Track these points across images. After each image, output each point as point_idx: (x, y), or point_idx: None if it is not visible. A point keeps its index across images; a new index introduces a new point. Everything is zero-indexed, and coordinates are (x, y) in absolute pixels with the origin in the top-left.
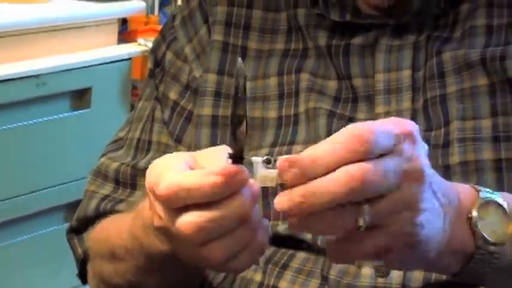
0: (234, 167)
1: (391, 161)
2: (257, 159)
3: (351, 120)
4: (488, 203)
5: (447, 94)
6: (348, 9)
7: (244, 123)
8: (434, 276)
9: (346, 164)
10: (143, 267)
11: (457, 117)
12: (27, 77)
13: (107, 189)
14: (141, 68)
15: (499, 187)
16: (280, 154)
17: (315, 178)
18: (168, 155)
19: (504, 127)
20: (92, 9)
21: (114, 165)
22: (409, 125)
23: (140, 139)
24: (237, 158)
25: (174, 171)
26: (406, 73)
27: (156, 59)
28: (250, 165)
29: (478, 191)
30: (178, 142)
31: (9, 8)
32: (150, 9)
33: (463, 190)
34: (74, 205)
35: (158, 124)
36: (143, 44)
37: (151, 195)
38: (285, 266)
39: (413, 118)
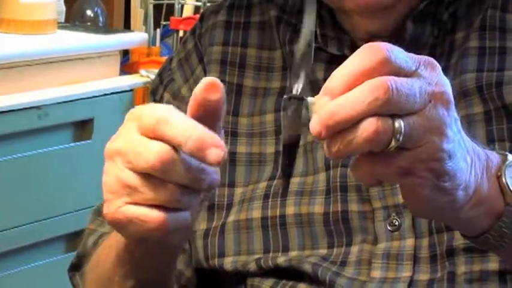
0: None
1: (414, 80)
2: (312, 100)
3: None
4: None
5: None
6: (346, 44)
7: None
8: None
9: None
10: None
11: None
12: (29, 108)
13: (107, 227)
14: (143, 99)
15: None
16: (278, 187)
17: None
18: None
19: None
20: (94, 41)
21: None
22: (429, 58)
23: None
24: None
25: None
26: None
27: (154, 100)
28: (307, 105)
29: (505, 155)
30: None
31: (10, 39)
32: (151, 41)
33: (489, 151)
34: (74, 235)
35: None
36: (145, 75)
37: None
38: None
39: None
